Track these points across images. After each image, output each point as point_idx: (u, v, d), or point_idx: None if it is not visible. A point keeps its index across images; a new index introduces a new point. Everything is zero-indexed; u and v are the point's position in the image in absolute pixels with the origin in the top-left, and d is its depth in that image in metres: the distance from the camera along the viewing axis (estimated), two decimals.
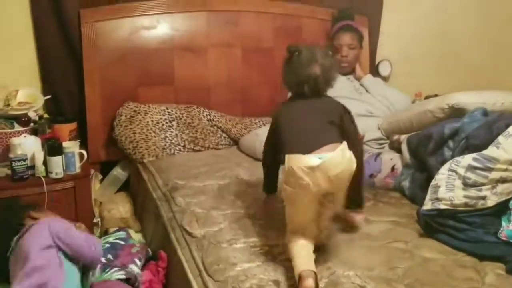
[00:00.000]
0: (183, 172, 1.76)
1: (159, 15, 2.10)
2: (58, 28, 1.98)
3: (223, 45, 2.21)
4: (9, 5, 1.92)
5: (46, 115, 1.97)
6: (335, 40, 2.25)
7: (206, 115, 2.12)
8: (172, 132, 2.03)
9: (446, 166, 1.37)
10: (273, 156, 1.30)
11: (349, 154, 1.11)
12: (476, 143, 1.41)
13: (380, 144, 1.96)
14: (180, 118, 2.06)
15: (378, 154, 1.75)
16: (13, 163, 1.65)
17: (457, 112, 1.62)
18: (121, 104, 2.04)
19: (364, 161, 1.67)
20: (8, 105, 1.86)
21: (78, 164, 1.77)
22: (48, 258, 1.27)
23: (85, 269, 1.40)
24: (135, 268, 1.41)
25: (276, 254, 1.20)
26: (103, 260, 1.40)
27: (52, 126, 1.89)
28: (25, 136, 1.74)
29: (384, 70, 2.54)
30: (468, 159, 1.34)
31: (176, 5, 2.14)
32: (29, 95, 1.92)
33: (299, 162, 1.08)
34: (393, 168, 1.67)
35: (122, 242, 1.53)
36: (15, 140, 1.71)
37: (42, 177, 1.69)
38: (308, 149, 1.09)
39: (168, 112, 2.06)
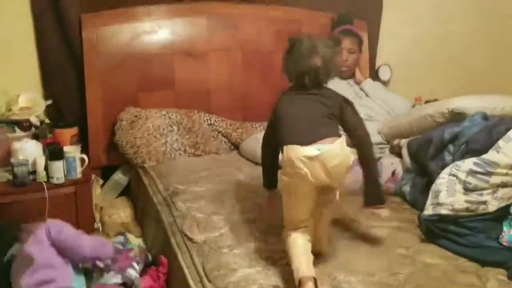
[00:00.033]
0: (183, 176, 1.76)
1: (160, 20, 2.11)
2: (59, 33, 1.98)
3: (224, 50, 2.22)
4: (11, 10, 1.93)
5: (47, 120, 1.98)
6: None
7: (207, 119, 2.13)
8: (172, 136, 2.03)
9: (446, 171, 1.37)
10: (272, 147, 1.27)
11: (347, 149, 1.12)
12: (476, 148, 1.41)
13: (381, 148, 1.96)
14: (181, 123, 2.07)
15: (379, 159, 1.75)
16: (15, 168, 1.65)
17: (457, 117, 1.62)
18: (122, 109, 2.04)
19: None
20: (10, 110, 1.86)
21: (79, 169, 1.78)
22: (51, 257, 1.27)
23: (87, 271, 1.40)
24: (133, 272, 1.41)
25: (277, 259, 1.20)
26: (101, 265, 1.40)
27: (53, 131, 1.90)
28: (26, 141, 1.75)
29: (384, 75, 2.54)
30: (468, 163, 1.34)
31: (177, 10, 2.15)
32: (30, 100, 1.92)
33: (297, 153, 1.08)
34: (393, 173, 1.67)
35: (120, 247, 1.53)
36: (16, 145, 1.71)
37: (43, 182, 1.69)
38: (306, 142, 1.09)
39: (169, 116, 2.07)
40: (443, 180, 1.35)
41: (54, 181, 1.71)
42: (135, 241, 1.72)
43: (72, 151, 1.78)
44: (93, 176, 1.96)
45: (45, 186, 1.68)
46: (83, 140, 2.00)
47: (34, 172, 1.71)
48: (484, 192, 1.29)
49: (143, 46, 2.09)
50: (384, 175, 1.66)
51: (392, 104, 2.20)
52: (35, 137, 1.84)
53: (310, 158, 1.06)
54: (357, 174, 1.70)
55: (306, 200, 1.12)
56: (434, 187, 1.36)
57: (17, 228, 1.43)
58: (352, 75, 2.31)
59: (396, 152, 1.81)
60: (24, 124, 1.82)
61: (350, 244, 1.29)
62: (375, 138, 1.97)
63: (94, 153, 2.03)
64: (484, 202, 1.27)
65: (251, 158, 1.95)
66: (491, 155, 1.32)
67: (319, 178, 1.08)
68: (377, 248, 1.27)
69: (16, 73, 1.96)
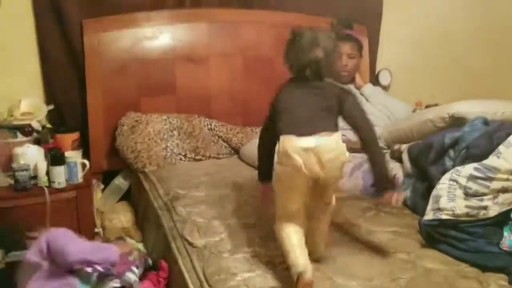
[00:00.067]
0: (184, 181, 1.77)
1: (161, 26, 2.12)
2: (61, 38, 2.00)
3: (224, 55, 2.23)
4: (13, 16, 1.94)
5: (49, 125, 1.99)
6: None
7: (207, 124, 2.14)
8: (173, 141, 2.04)
9: (447, 176, 1.37)
10: (270, 138, 1.26)
11: (343, 145, 1.12)
12: (477, 153, 1.41)
13: None
14: (181, 128, 2.07)
15: None
16: (16, 173, 1.66)
17: (457, 122, 1.62)
18: (123, 114, 2.05)
19: (365, 171, 1.69)
20: (12, 115, 1.87)
21: (80, 174, 1.78)
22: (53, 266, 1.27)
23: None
24: (132, 276, 1.41)
25: (277, 263, 1.19)
26: (100, 269, 1.39)
27: (55, 136, 1.91)
28: (28, 146, 1.75)
29: (384, 80, 2.55)
30: (469, 168, 1.34)
31: (178, 16, 2.16)
32: (32, 106, 1.93)
33: (293, 144, 1.08)
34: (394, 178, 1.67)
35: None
36: (18, 150, 1.72)
37: (44, 187, 1.70)
38: (303, 134, 1.09)
39: (170, 121, 2.07)
40: (443, 185, 1.35)
41: (56, 185, 1.71)
42: (136, 246, 1.71)
43: (74, 156, 1.78)
44: (94, 181, 1.97)
45: (46, 191, 1.68)
46: (84, 145, 2.01)
47: (35, 177, 1.71)
48: (485, 197, 1.29)
49: (144, 52, 2.10)
50: None
51: (392, 109, 2.20)
52: (37, 142, 1.85)
53: (306, 150, 1.07)
54: (357, 180, 1.71)
55: (300, 193, 1.11)
56: (434, 192, 1.36)
57: (18, 232, 1.42)
58: (352, 80, 2.32)
59: (396, 157, 1.81)
60: (26, 129, 1.83)
61: (349, 248, 1.29)
62: None
63: (95, 158, 2.04)
64: (485, 207, 1.27)
65: (252, 163, 1.95)
66: (491, 160, 1.32)
67: (313, 170, 1.08)
68: (377, 253, 1.26)
69: (18, 79, 1.97)
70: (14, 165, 1.68)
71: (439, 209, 1.30)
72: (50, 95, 2.03)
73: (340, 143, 1.11)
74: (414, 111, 2.31)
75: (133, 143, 1.97)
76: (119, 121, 2.03)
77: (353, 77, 2.31)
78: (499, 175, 1.29)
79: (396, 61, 2.57)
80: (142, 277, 1.46)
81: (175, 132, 2.06)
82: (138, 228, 1.89)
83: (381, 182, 1.21)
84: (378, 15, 2.53)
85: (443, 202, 1.30)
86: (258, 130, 2.20)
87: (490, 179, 1.29)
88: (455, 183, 1.33)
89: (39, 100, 2.00)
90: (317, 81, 1.18)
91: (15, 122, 1.85)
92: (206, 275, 1.19)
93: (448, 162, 1.49)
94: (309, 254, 1.11)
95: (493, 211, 1.27)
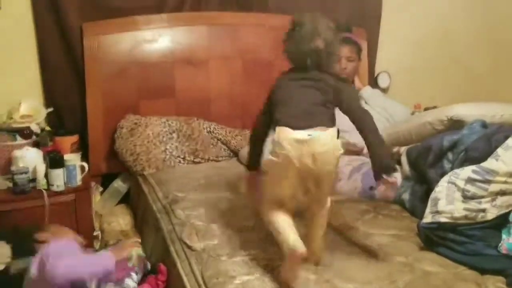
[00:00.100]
0: (183, 184, 1.77)
1: (160, 29, 2.13)
2: (60, 41, 2.00)
3: (224, 58, 2.24)
4: (13, 19, 1.95)
5: (48, 128, 1.99)
6: None
7: (206, 127, 2.14)
8: (172, 144, 2.04)
9: (445, 179, 1.37)
10: (264, 128, 1.25)
11: (337, 141, 1.12)
12: (475, 156, 1.41)
13: None
14: (180, 130, 2.08)
15: None
16: (15, 175, 1.66)
17: (456, 124, 1.62)
18: (123, 117, 2.05)
19: (363, 173, 1.69)
20: (11, 118, 1.87)
21: (79, 177, 1.78)
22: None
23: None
24: (131, 283, 1.40)
25: (275, 266, 1.19)
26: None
27: (54, 139, 1.91)
28: (27, 149, 1.76)
29: (383, 82, 2.55)
30: (467, 171, 1.34)
31: (177, 19, 2.17)
32: (31, 108, 1.94)
33: (288, 135, 1.09)
34: None
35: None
36: (17, 153, 1.72)
37: (43, 190, 1.70)
38: (299, 127, 1.09)
39: (169, 124, 2.08)
40: (442, 188, 1.35)
41: (54, 188, 1.71)
42: (133, 250, 1.71)
43: (73, 159, 1.78)
44: (93, 183, 1.97)
45: (45, 193, 1.68)
46: (83, 148, 2.01)
47: (34, 180, 1.71)
48: (483, 200, 1.29)
49: (143, 55, 2.11)
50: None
51: (391, 111, 2.20)
52: (36, 144, 1.85)
53: (299, 142, 1.07)
54: (356, 182, 1.71)
55: (289, 184, 1.11)
56: (433, 195, 1.36)
57: (25, 236, 1.40)
58: (351, 83, 2.32)
59: (395, 159, 1.81)
60: (25, 132, 1.83)
61: (347, 251, 1.28)
62: None
63: (94, 161, 2.04)
64: (483, 210, 1.27)
65: None
66: (490, 163, 1.32)
67: (303, 163, 1.08)
68: (376, 256, 1.26)
69: (17, 81, 1.98)
70: (13, 168, 1.68)
71: (438, 212, 1.30)
72: (49, 98, 2.04)
73: (335, 138, 1.11)
74: (413, 113, 2.31)
75: (132, 145, 1.97)
76: (118, 123, 2.03)
77: (352, 80, 2.31)
78: (498, 178, 1.29)
79: (395, 64, 2.58)
80: (141, 281, 1.46)
81: (174, 135, 2.06)
82: (137, 231, 1.89)
83: (380, 166, 1.17)
84: (377, 17, 2.53)
85: (442, 205, 1.30)
86: None
87: (488, 181, 1.29)
88: (453, 186, 1.33)
89: (39, 102, 2.00)
90: (316, 72, 1.17)
91: (14, 125, 1.85)
92: (205, 278, 1.19)
93: (447, 165, 1.49)
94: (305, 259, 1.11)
95: (492, 214, 1.27)
